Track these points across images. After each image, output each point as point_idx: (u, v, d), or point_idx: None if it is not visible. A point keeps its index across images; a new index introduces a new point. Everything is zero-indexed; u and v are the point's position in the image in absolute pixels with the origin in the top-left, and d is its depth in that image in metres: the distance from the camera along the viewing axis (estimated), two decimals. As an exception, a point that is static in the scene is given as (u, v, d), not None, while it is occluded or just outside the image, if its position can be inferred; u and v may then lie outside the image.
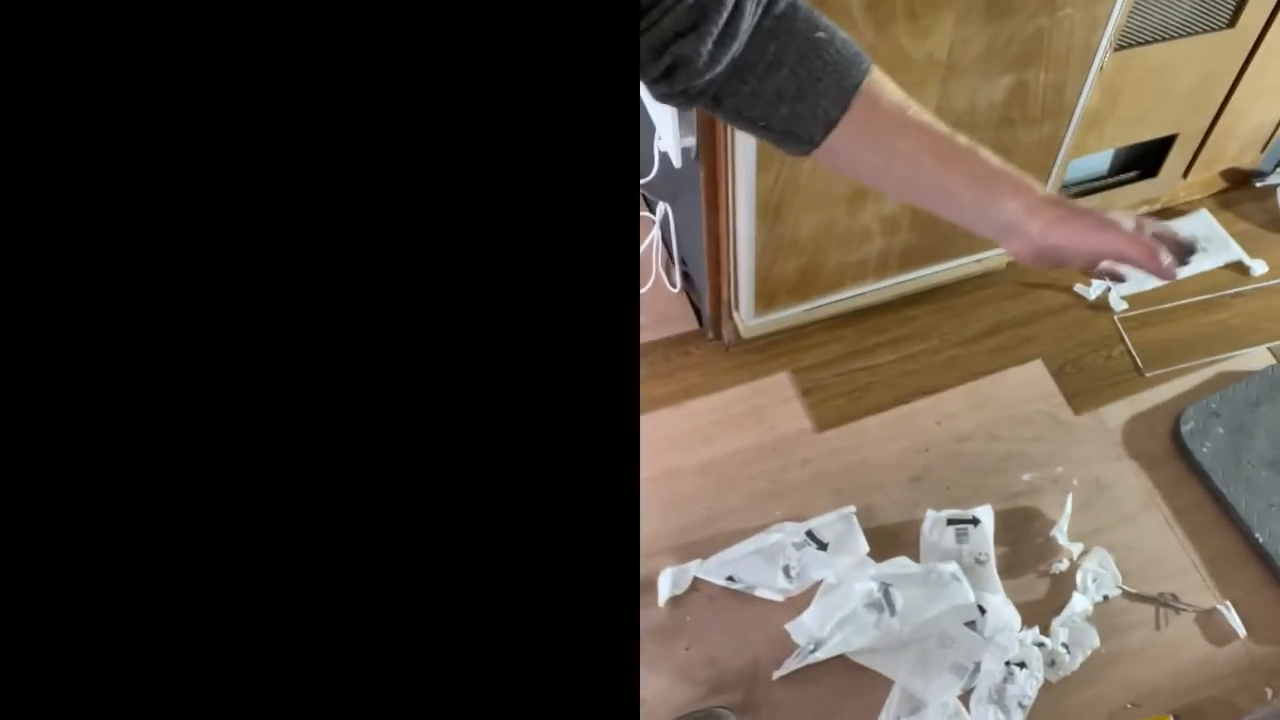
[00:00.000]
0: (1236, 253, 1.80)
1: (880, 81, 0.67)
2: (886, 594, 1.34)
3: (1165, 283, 1.72)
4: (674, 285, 1.80)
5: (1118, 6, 1.25)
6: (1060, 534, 1.42)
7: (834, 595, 1.34)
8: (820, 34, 0.64)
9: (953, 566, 1.35)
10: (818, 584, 1.38)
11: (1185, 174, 1.79)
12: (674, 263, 1.79)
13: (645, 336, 1.74)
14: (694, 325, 1.75)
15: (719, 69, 0.63)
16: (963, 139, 0.68)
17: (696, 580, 1.41)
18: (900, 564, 1.38)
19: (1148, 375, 1.64)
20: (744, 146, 1.27)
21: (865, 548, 1.42)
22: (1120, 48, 1.42)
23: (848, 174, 0.74)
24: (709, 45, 0.61)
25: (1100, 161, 1.79)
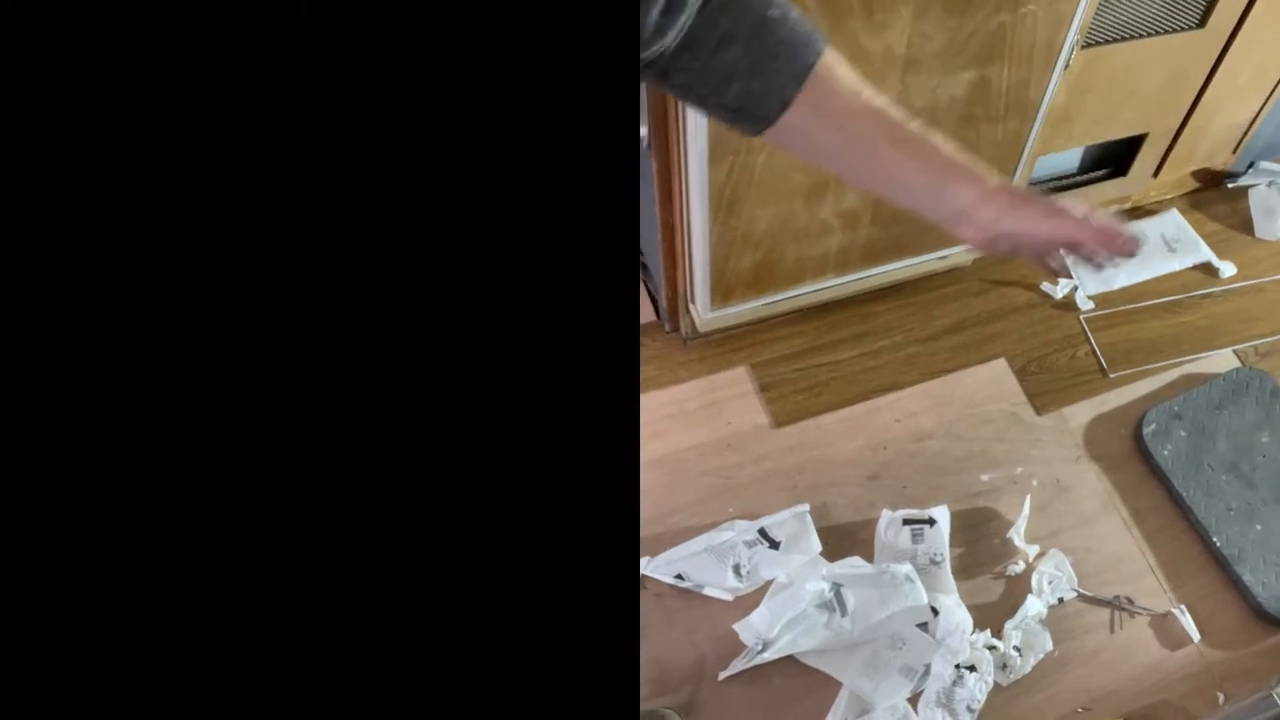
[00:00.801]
0: (1206, 254, 1.81)
1: (835, 63, 0.66)
2: (838, 594, 1.35)
3: (1127, 283, 1.75)
4: (635, 276, 1.79)
5: (1083, 4, 1.25)
6: (1017, 535, 1.43)
7: (784, 595, 1.35)
8: (774, 11, 0.64)
9: (907, 567, 1.36)
10: (769, 583, 1.39)
11: (1156, 173, 1.81)
12: (635, 253, 1.78)
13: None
14: (651, 317, 1.75)
15: (667, 39, 0.62)
16: (917, 125, 0.69)
17: (644, 578, 1.42)
18: (853, 564, 1.39)
19: (1112, 376, 1.65)
20: (695, 139, 1.27)
21: (818, 547, 1.42)
22: (1088, 45, 1.43)
23: (800, 155, 0.73)
24: (655, 14, 0.60)
25: (1069, 159, 1.80)
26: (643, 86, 1.32)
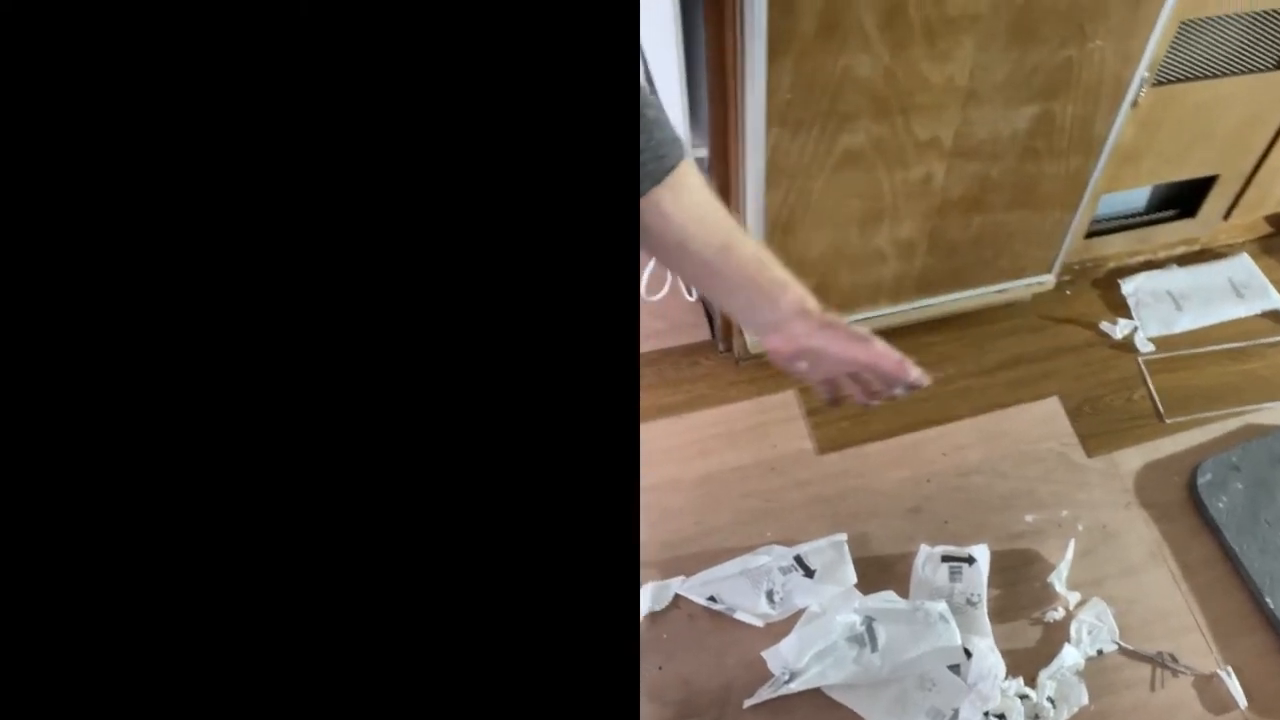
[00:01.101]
0: (1275, 301, 1.71)
1: (690, 171, 0.69)
2: (870, 628, 1.28)
3: (1190, 327, 1.65)
4: (690, 294, 1.75)
5: (1153, 41, 1.17)
6: (1058, 580, 1.35)
7: (815, 625, 1.28)
8: (651, 111, 0.66)
9: (941, 605, 1.29)
10: (800, 612, 1.32)
11: (1226, 216, 1.70)
12: (692, 271, 1.73)
13: (658, 344, 1.70)
14: (707, 335, 1.70)
15: None
16: (753, 242, 0.73)
17: (678, 597, 1.36)
18: (887, 598, 1.32)
19: (1168, 421, 1.55)
20: (754, 162, 1.22)
21: (853, 578, 1.36)
22: (1159, 83, 1.34)
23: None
24: None
25: (1136, 198, 1.71)
26: (703, 108, 1.27)
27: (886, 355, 0.75)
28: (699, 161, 1.36)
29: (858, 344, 0.74)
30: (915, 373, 0.76)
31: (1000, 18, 1.09)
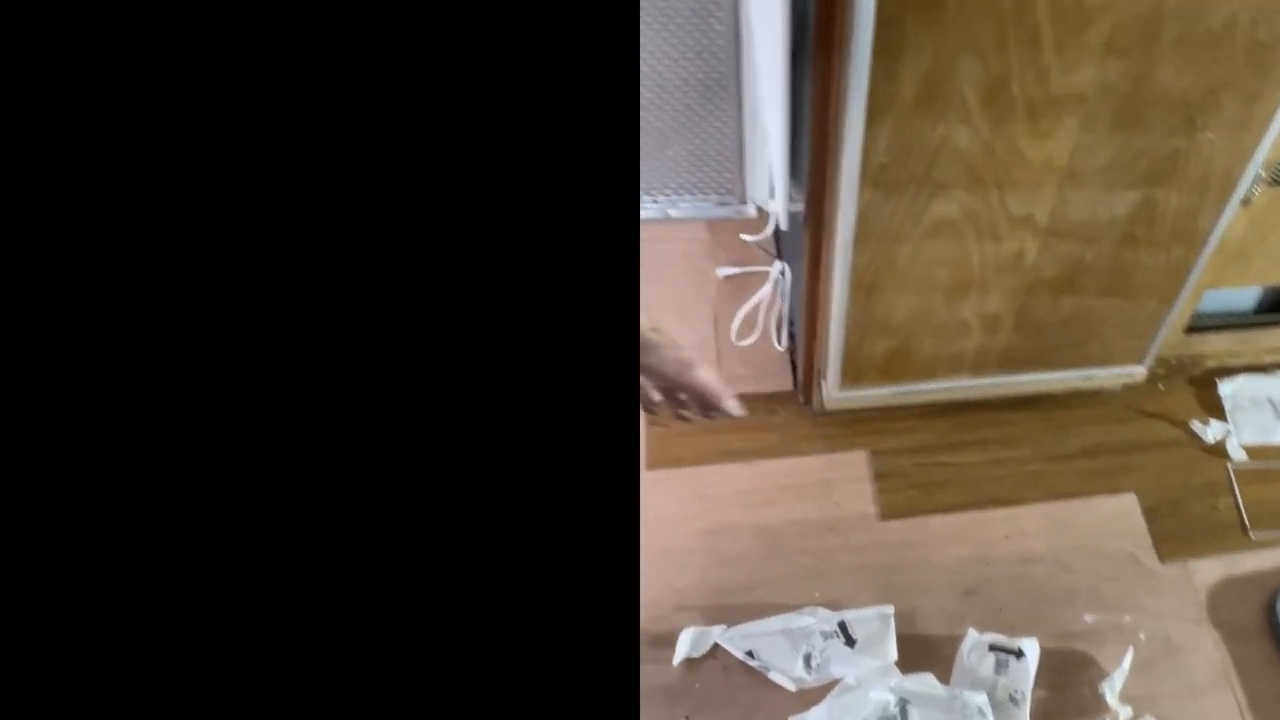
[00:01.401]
0: (1388, 422, 1.56)
1: None
2: (903, 710, 1.20)
3: None
4: (780, 344, 1.70)
5: (1269, 139, 1.08)
6: (1111, 690, 1.24)
7: (848, 698, 1.21)
8: None
9: (981, 698, 1.20)
10: (836, 681, 1.25)
11: (1342, 327, 1.57)
12: (785, 321, 1.69)
13: (739, 388, 1.62)
14: (789, 386, 1.65)
15: None
16: None
17: (716, 647, 1.31)
18: (926, 681, 1.23)
19: (1253, 536, 1.43)
20: (844, 220, 1.17)
21: (894, 654, 1.28)
22: (1276, 182, 1.24)
23: None
24: None
25: (1243, 297, 1.59)
26: (804, 163, 1.22)
27: (708, 380, 0.78)
28: (793, 216, 1.31)
29: (682, 367, 0.77)
30: (731, 404, 0.79)
31: (1106, 101, 1.01)
